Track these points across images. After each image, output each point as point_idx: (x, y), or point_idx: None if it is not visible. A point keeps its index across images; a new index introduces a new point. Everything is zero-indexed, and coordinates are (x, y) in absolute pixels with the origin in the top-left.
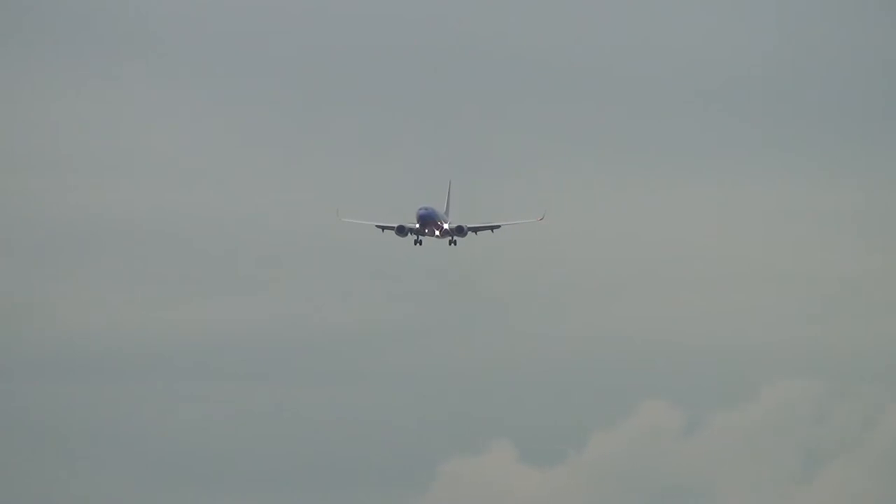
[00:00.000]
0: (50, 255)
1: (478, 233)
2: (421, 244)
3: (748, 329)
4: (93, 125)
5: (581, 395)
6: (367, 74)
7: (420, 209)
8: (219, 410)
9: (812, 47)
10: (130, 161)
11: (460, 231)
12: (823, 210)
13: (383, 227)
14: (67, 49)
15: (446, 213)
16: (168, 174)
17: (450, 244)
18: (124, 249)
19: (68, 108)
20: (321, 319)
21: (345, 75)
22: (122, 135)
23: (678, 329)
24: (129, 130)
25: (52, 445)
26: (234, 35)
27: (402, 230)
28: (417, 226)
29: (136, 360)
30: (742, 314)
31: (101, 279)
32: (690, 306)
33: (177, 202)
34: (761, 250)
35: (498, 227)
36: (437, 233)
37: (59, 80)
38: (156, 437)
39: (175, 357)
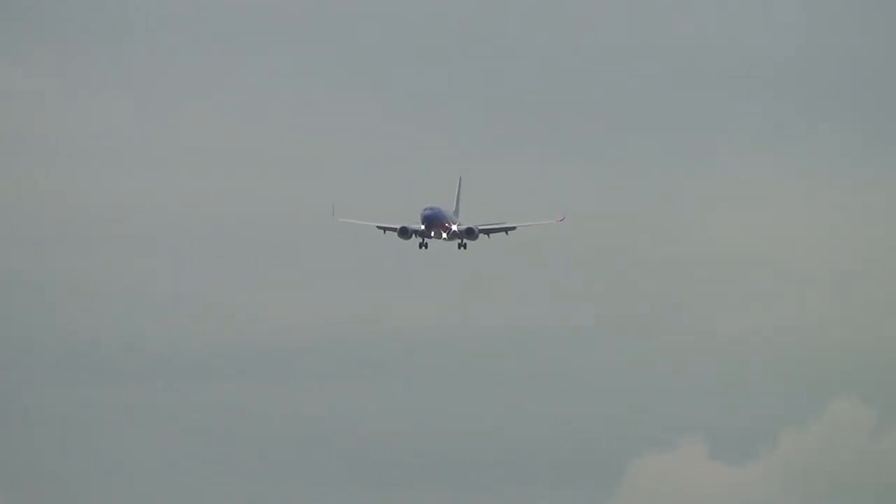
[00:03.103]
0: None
1: (490, 235)
2: (427, 247)
3: None
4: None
5: (770, 392)
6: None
7: (425, 209)
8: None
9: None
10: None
11: (470, 233)
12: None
13: (385, 229)
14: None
15: (455, 213)
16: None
17: (459, 247)
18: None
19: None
20: (491, 321)
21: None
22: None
23: (864, 324)
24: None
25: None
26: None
27: (405, 232)
28: (422, 227)
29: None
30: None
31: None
32: (870, 302)
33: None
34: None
35: (513, 228)
36: (444, 235)
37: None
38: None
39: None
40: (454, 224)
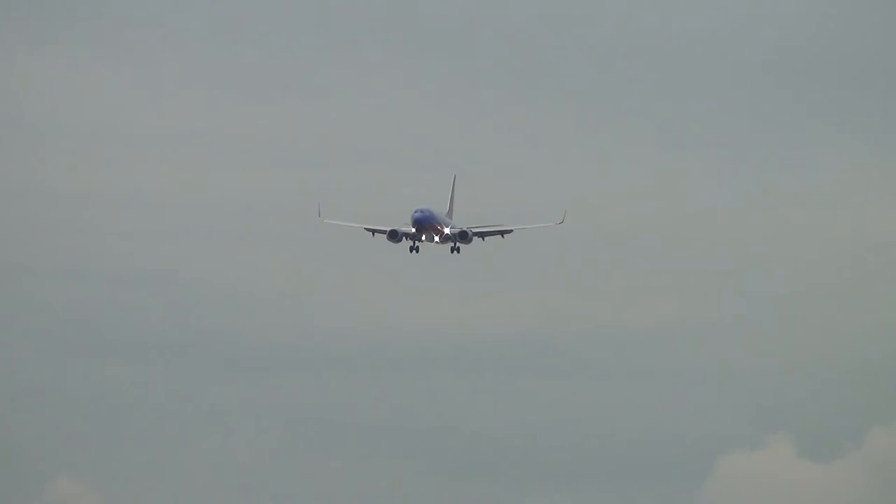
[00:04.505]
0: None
1: (485, 238)
2: (418, 251)
3: None
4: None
5: (858, 390)
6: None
7: (416, 211)
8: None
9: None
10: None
11: (464, 236)
12: None
13: (374, 231)
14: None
15: (449, 214)
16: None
17: (452, 251)
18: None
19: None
20: (598, 317)
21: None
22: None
23: None
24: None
25: None
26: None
27: (394, 235)
28: (413, 230)
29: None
30: None
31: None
32: None
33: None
34: None
35: (509, 231)
36: (436, 238)
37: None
38: None
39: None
40: (447, 226)
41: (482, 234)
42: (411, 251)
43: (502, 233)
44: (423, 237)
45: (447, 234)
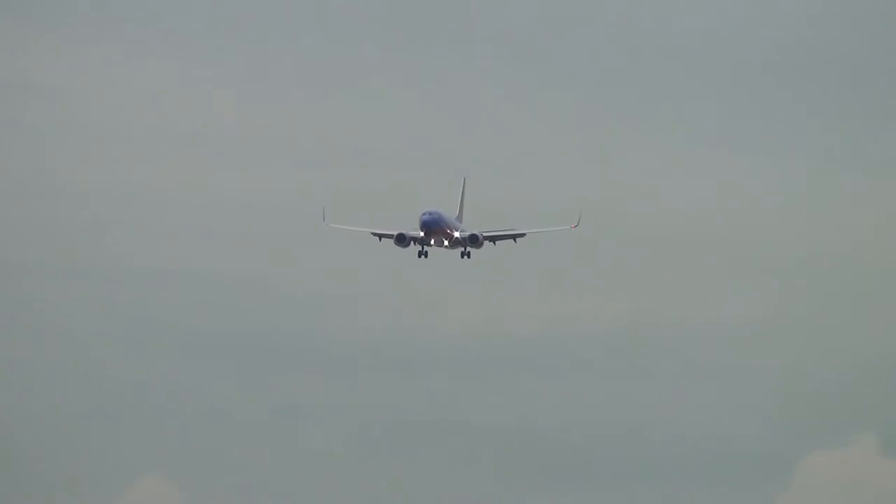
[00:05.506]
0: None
1: (496, 242)
2: (426, 256)
3: None
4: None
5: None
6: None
7: (424, 214)
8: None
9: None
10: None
11: (474, 240)
12: None
13: (380, 235)
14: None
15: (458, 217)
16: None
17: (462, 256)
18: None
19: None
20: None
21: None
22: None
23: None
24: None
25: None
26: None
27: (402, 239)
28: (421, 234)
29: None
30: None
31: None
32: None
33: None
34: None
35: (522, 235)
36: (445, 242)
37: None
38: None
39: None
40: (456, 230)
41: (493, 238)
42: (419, 256)
43: (514, 237)
44: (433, 241)
45: (457, 238)
